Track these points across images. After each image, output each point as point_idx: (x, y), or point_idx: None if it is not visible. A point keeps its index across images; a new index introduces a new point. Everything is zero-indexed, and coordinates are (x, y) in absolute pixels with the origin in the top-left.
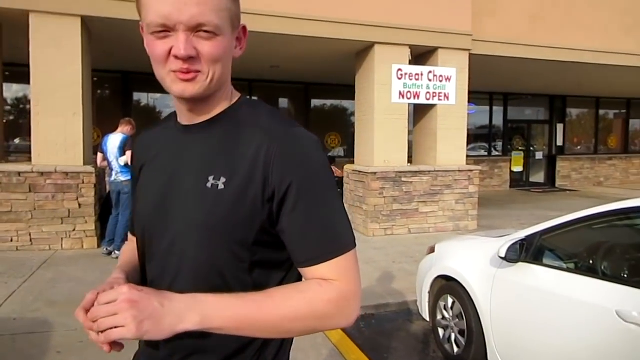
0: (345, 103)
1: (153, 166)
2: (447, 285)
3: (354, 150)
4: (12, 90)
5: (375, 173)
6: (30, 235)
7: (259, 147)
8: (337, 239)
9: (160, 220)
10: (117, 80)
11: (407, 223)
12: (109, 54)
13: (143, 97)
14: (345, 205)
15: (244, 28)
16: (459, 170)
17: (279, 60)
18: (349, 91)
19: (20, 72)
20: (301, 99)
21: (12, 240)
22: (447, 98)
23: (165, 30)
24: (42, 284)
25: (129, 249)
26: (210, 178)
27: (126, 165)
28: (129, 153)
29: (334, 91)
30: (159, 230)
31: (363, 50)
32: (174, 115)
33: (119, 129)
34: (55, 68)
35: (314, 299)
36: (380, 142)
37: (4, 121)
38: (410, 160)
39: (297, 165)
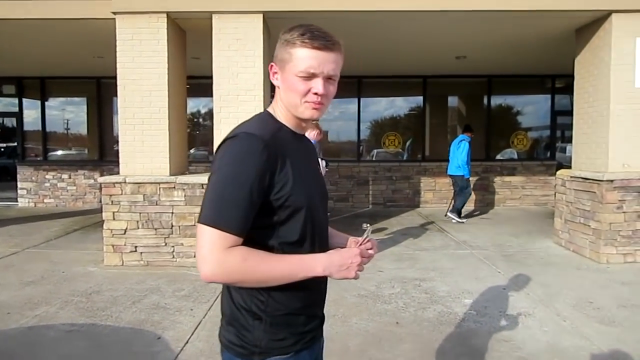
0: (531, 98)
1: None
2: None
3: (555, 151)
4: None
5: (611, 181)
6: None
7: None
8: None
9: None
10: None
11: None
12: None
13: None
14: (562, 220)
15: None
16: None
17: (466, 50)
18: (538, 84)
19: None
20: (481, 95)
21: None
22: None
23: (309, 76)
24: None
25: None
26: None
27: None
28: None
29: (520, 84)
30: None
31: (589, 25)
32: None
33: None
34: (237, 71)
35: None
36: (618, 139)
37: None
38: None
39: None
